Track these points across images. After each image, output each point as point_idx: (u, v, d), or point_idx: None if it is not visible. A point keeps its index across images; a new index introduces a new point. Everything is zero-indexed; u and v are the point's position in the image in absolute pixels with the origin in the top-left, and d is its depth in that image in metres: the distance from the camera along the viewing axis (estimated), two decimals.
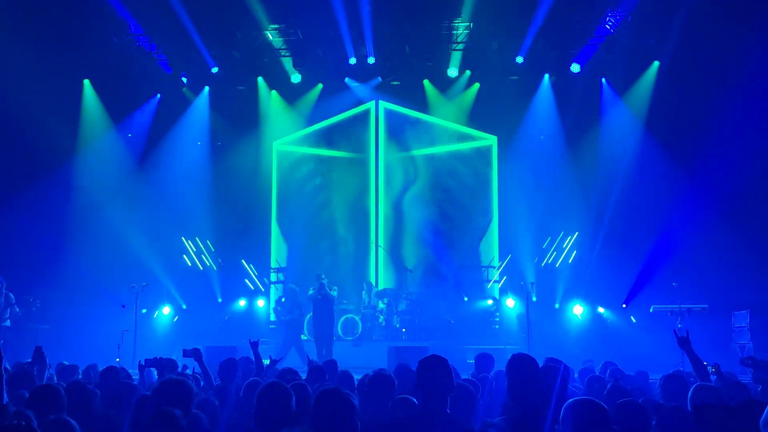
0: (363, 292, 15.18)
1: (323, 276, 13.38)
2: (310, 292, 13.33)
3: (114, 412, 4.05)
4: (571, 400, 3.14)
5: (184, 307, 15.47)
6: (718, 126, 12.72)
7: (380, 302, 15.10)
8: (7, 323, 12.02)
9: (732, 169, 12.66)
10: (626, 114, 15.02)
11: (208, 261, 16.50)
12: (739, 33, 12.86)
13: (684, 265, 13.35)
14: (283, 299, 14.32)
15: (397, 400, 4.49)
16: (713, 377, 5.88)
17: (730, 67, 13.23)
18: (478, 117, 16.24)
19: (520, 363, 3.74)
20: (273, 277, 16.49)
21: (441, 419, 3.44)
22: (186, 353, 6.64)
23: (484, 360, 7.11)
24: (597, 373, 7.37)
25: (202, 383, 6.22)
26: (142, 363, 6.54)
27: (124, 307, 12.89)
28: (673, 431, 3.56)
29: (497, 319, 15.49)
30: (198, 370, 6.65)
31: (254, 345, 6.95)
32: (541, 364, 5.31)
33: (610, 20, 14.65)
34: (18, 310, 12.40)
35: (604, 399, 4.78)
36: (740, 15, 12.83)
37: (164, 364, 6.46)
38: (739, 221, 13.29)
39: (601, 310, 14.78)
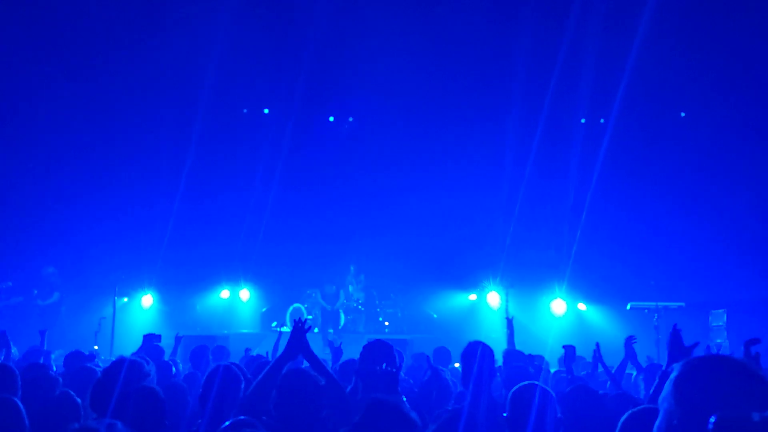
0: (349, 276, 14.89)
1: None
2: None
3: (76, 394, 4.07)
4: (516, 386, 3.19)
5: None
6: (692, 125, 12.79)
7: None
8: None
9: (712, 168, 12.74)
10: None
11: None
12: None
13: (661, 262, 13.42)
14: None
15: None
16: None
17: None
18: None
19: (474, 351, 3.80)
20: None
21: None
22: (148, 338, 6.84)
23: (441, 354, 7.38)
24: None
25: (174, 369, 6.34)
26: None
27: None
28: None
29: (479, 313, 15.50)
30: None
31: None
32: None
33: None
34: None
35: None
36: None
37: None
38: (717, 220, 13.38)
39: (581, 306, 14.83)
